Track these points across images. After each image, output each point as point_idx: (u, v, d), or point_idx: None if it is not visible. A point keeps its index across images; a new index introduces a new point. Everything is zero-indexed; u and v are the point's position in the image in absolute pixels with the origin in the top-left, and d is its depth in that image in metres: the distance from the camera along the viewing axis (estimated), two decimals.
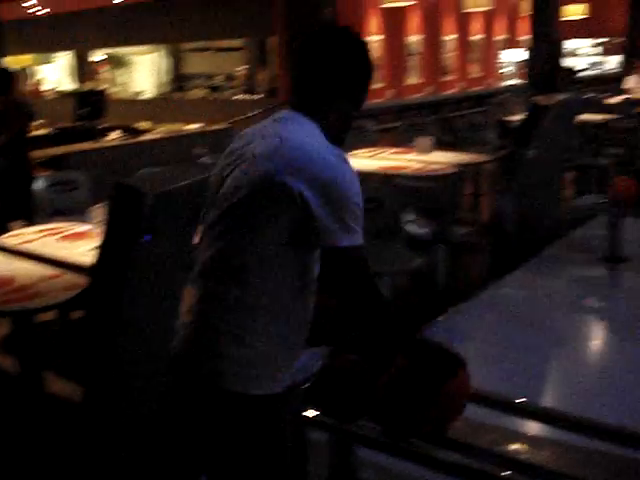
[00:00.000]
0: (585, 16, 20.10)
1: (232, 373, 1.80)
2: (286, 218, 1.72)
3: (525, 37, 17.45)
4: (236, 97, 14.72)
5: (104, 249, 2.63)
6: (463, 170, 6.20)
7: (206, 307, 1.83)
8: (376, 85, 14.66)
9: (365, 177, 5.49)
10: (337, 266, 1.75)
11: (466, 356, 2.06)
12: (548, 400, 3.81)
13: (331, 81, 1.84)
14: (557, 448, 2.38)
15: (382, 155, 6.81)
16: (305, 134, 1.79)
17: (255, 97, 14.12)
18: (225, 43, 15.59)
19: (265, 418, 1.86)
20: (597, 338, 4.85)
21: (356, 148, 6.91)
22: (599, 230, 6.41)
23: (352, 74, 1.86)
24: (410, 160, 6.38)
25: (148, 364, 2.85)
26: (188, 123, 11.22)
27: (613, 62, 21.67)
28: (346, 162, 1.76)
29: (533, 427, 2.74)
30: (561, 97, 6.71)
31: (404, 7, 14.68)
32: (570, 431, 2.46)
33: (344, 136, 1.91)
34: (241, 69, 15.41)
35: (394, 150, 7.00)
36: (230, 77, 15.71)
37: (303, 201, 1.69)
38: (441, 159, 6.33)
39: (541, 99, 6.16)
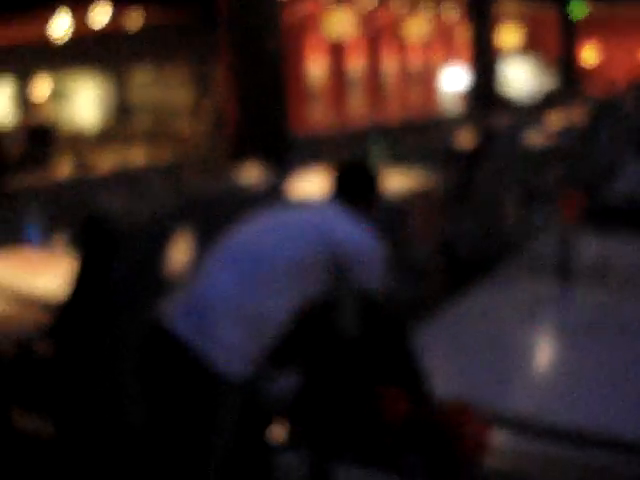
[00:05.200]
0: (520, 45, 20.68)
1: (223, 358, 2.16)
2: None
3: (463, 65, 17.85)
4: (182, 128, 14.71)
5: (78, 283, 2.62)
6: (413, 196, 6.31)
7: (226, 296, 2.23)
8: (320, 114, 14.81)
9: None
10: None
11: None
12: (506, 405, 3.90)
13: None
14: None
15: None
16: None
17: (201, 128, 14.13)
18: (170, 74, 15.59)
19: (217, 396, 2.17)
20: (549, 349, 5.01)
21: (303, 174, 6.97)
22: (549, 246, 6.59)
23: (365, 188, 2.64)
24: None
25: (121, 395, 2.84)
26: (134, 156, 11.17)
27: (548, 86, 22.31)
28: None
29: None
30: (508, 121, 6.89)
31: (347, 40, 14.91)
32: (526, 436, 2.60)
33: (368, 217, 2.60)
34: (187, 100, 15.42)
35: None
36: (175, 108, 15.70)
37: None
38: (390, 185, 6.42)
39: (491, 123, 6.33)
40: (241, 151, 9.28)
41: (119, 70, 15.74)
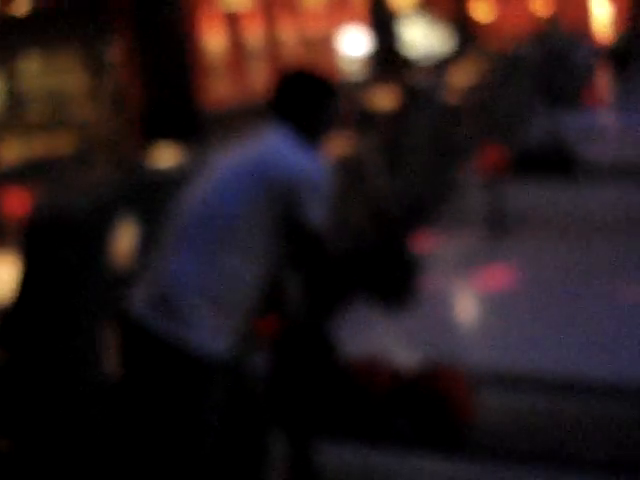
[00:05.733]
0: (415, 5, 20.78)
1: (198, 338, 2.06)
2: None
3: (362, 29, 17.80)
4: (81, 115, 14.15)
5: (24, 285, 2.39)
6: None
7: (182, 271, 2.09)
8: (223, 88, 14.52)
9: None
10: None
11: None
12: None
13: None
14: None
15: None
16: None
17: (101, 112, 13.62)
18: (64, 60, 14.97)
19: (194, 375, 2.07)
20: (484, 299, 5.09)
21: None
22: (475, 199, 6.66)
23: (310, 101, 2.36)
24: None
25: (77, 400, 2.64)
26: (31, 148, 10.66)
27: (445, 45, 22.55)
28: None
29: None
30: (427, 81, 6.85)
31: (242, 10, 14.62)
32: None
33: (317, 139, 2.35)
34: (84, 85, 14.84)
35: None
36: (73, 95, 15.09)
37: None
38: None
39: (411, 83, 6.26)
40: (149, 133, 8.99)
41: (7, 59, 15.01)
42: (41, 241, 2.39)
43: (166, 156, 6.03)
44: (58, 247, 2.41)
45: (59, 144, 10.44)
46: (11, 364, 2.46)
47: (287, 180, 2.17)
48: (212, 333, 2.09)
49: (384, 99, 9.24)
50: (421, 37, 22.74)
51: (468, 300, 5.26)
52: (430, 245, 6.09)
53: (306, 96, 2.35)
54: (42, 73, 15.58)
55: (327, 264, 2.22)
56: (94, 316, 2.62)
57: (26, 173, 6.65)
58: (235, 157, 2.31)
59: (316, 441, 2.70)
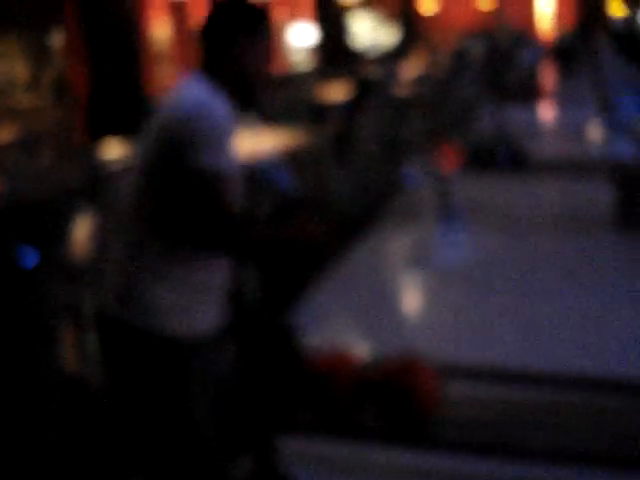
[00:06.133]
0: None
1: (167, 321, 1.97)
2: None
3: (309, 21, 17.76)
4: (20, 102, 13.80)
5: None
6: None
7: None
8: (170, 78, 14.33)
9: None
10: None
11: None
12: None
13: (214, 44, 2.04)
14: None
15: None
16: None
17: (43, 100, 13.30)
18: (1, 43, 14.55)
19: (170, 359, 1.98)
20: (436, 291, 5.14)
21: None
22: (427, 193, 6.71)
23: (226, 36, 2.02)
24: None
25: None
26: None
27: (390, 39, 22.65)
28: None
29: None
30: (379, 74, 6.84)
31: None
32: None
33: (247, 92, 2.06)
34: (25, 73, 14.46)
35: None
36: (10, 81, 14.69)
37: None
38: (269, 142, 6.24)
39: (364, 75, 6.24)
40: (94, 121, 8.80)
41: None
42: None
43: (113, 147, 5.90)
44: (15, 237, 2.32)
45: (2, 131, 10.14)
46: None
47: (178, 122, 1.91)
48: (177, 311, 1.99)
49: (335, 91, 9.20)
50: (367, 30, 22.80)
51: (419, 292, 5.30)
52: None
53: (231, 22, 2.01)
54: None
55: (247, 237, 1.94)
56: (52, 309, 2.54)
57: None
58: (158, 117, 2.03)
59: (282, 434, 2.66)
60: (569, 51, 15.17)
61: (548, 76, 15.63)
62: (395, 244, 6.24)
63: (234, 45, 2.01)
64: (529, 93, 11.29)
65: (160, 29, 13.81)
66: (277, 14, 19.24)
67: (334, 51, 15.11)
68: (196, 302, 2.02)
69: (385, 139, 6.98)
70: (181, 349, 1.99)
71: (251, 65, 2.02)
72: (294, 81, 12.38)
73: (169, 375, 1.99)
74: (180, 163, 1.89)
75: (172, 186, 1.93)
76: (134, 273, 2.00)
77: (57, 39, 13.11)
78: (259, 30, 2.04)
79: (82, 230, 3.15)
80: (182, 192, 1.92)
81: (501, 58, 13.61)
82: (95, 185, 3.51)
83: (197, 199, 1.89)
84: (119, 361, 2.04)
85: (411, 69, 13.56)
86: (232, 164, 1.99)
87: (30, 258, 2.28)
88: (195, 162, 1.87)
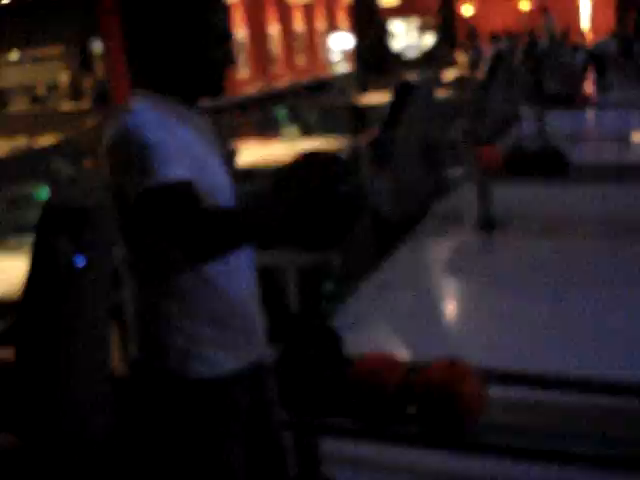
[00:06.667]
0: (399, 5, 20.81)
1: (173, 358, 1.81)
2: None
3: (348, 27, 17.75)
4: (62, 107, 13.99)
5: (35, 277, 2.30)
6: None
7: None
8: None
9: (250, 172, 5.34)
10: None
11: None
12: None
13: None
14: None
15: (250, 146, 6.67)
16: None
17: (83, 106, 13.48)
18: (44, 51, 14.76)
19: (203, 403, 1.82)
20: (476, 297, 5.08)
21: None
22: (465, 200, 6.65)
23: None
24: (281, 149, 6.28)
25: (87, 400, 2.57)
26: (13, 138, 10.46)
27: (428, 41, 22.56)
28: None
29: None
30: (421, 76, 6.80)
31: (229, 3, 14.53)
32: None
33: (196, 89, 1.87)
34: (64, 77, 14.65)
35: (259, 140, 6.90)
36: (53, 87, 14.88)
37: None
38: (312, 147, 6.23)
39: (408, 79, 6.21)
40: None
41: None
42: (56, 232, 2.28)
43: None
44: (74, 238, 2.32)
45: (37, 134, 10.26)
46: (18, 360, 2.38)
47: (108, 156, 1.73)
48: (194, 354, 1.80)
49: (375, 95, 9.18)
50: (406, 33, 22.76)
51: (460, 297, 5.25)
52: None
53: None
54: (24, 68, 15.37)
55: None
56: (101, 313, 2.55)
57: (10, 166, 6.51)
58: None
59: (323, 435, 2.65)
60: (604, 57, 14.93)
61: (590, 81, 15.44)
62: (436, 249, 6.21)
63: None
64: (572, 97, 11.15)
65: None
66: (318, 19, 19.27)
67: (374, 55, 15.09)
68: (213, 336, 1.82)
69: (425, 143, 6.95)
70: (207, 392, 1.82)
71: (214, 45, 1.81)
72: (334, 86, 12.39)
73: (195, 423, 1.82)
74: (126, 195, 1.70)
75: (134, 219, 1.74)
76: (141, 317, 1.84)
77: (95, 47, 13.25)
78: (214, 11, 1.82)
79: None
80: (145, 223, 1.72)
81: (543, 62, 13.47)
82: None
83: (162, 221, 1.67)
84: (147, 411, 1.88)
85: (451, 72, 13.48)
86: (199, 165, 1.76)
87: (79, 259, 2.29)
88: (138, 187, 1.66)
